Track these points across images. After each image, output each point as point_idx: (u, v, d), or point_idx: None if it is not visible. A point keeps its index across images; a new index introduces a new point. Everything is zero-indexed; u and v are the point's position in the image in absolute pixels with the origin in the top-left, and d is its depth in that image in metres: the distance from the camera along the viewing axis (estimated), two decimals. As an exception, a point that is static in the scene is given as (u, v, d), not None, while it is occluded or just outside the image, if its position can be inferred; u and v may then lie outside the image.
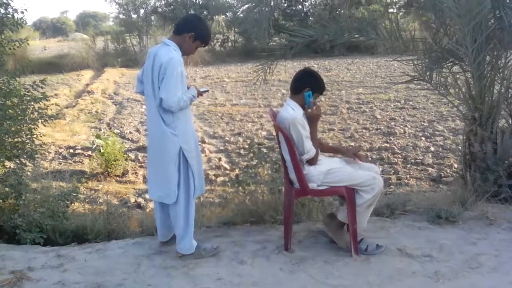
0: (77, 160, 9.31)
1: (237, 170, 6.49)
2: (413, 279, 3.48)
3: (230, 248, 4.08)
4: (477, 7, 4.46)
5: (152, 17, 29.43)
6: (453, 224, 4.42)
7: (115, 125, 12.33)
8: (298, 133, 3.73)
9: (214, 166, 8.59)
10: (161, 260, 3.91)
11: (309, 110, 3.81)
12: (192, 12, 28.48)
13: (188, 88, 3.86)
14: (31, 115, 5.42)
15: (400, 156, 8.45)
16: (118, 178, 8.25)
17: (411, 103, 12.77)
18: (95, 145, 8.93)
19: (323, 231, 4.20)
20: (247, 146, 7.21)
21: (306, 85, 3.84)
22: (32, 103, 5.38)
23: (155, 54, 3.72)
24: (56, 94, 15.50)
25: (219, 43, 28.74)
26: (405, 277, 3.51)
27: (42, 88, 5.60)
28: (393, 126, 10.52)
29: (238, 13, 28.09)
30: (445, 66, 5.28)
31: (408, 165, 7.99)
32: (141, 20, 28.70)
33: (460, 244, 4.02)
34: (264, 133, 10.54)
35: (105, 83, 19.07)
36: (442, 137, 9.42)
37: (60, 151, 9.91)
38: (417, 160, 8.16)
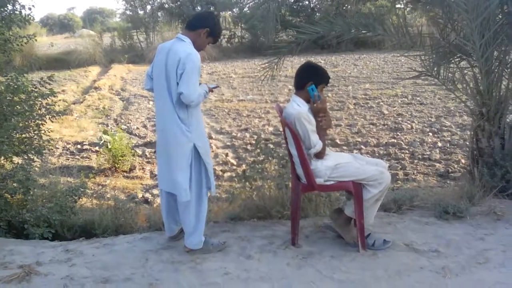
0: (84, 155, 9.34)
1: (244, 165, 6.51)
2: (421, 274, 3.48)
3: (237, 243, 4.10)
4: (484, 2, 4.44)
5: (159, 13, 29.34)
6: (461, 220, 4.41)
7: (122, 121, 12.35)
8: (304, 128, 3.73)
9: (221, 162, 8.59)
10: (169, 255, 3.93)
11: (314, 104, 3.81)
12: (199, 8, 28.49)
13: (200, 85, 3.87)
14: (39, 111, 5.45)
15: (407, 152, 8.43)
16: (125, 174, 8.28)
17: (418, 98, 12.71)
18: (102, 141, 8.95)
19: (330, 226, 4.20)
20: (254, 142, 7.21)
21: (308, 79, 3.84)
22: (40, 99, 5.41)
23: (169, 49, 3.71)
24: (63, 90, 15.53)
25: (226, 39, 28.65)
26: (413, 272, 3.51)
27: (49, 84, 5.63)
28: (400, 121, 10.48)
29: (244, 9, 28.01)
30: (453, 61, 5.26)
31: (416, 161, 7.96)
32: (148, 16, 28.63)
33: (467, 239, 4.02)
34: (271, 128, 10.53)
35: (112, 79, 19.09)
36: (449, 133, 9.38)
37: (67, 146, 9.96)
38: (425, 156, 8.14)
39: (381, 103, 12.44)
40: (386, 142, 9.03)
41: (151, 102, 13.84)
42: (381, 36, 5.35)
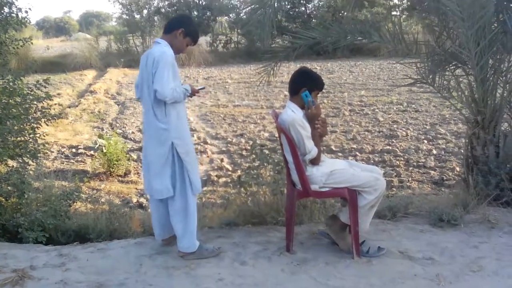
0: (79, 159, 9.32)
1: (239, 171, 6.51)
2: (415, 282, 3.48)
3: (232, 249, 4.09)
4: (480, 10, 4.47)
5: (155, 18, 29.32)
6: (455, 227, 4.42)
7: (117, 125, 12.34)
8: (299, 134, 3.73)
9: (216, 167, 8.59)
10: (163, 260, 3.92)
11: (309, 110, 3.82)
12: (195, 13, 28.55)
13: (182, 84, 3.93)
14: (34, 114, 5.43)
15: (402, 159, 8.45)
16: (120, 178, 8.26)
17: (413, 106, 12.76)
18: (97, 145, 8.94)
19: (325, 233, 4.19)
20: (249, 147, 7.22)
21: (302, 85, 3.85)
22: (35, 102, 5.40)
23: (147, 54, 3.83)
24: (59, 94, 15.49)
25: (222, 44, 28.69)
26: (407, 279, 3.52)
27: (45, 87, 5.62)
28: (395, 128, 10.51)
29: (241, 15, 28.08)
30: (448, 69, 5.29)
31: (410, 168, 7.98)
32: (144, 21, 28.60)
33: (461, 247, 4.03)
34: (266, 134, 10.54)
35: (108, 83, 19.07)
36: (444, 140, 9.41)
37: (62, 150, 9.93)
38: (419, 163, 8.16)
39: (377, 110, 12.48)
40: (381, 149, 9.05)
41: (146, 107, 13.80)
42: (377, 43, 5.38)
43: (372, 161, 8.34)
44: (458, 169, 7.56)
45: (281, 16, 26.48)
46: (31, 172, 5.87)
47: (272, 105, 13.66)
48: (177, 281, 3.57)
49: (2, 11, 5.47)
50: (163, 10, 29.33)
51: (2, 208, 4.81)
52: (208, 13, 29.23)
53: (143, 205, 6.91)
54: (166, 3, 29.80)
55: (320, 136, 3.90)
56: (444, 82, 5.25)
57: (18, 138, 5.28)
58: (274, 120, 4.14)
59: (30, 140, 5.36)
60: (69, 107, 14.37)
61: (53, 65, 22.66)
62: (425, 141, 9.43)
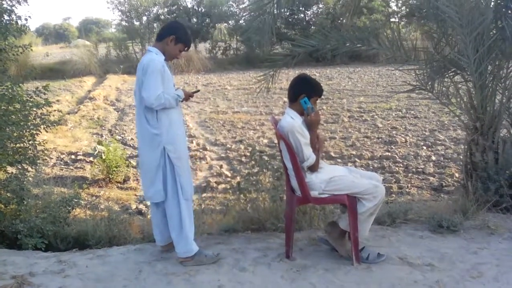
0: (78, 166, 9.32)
1: (238, 177, 6.50)
2: (414, 288, 3.48)
3: (231, 255, 4.08)
4: (479, 17, 4.49)
5: (155, 25, 29.33)
6: (454, 233, 4.42)
7: (116, 131, 12.35)
8: (297, 141, 3.74)
9: (215, 173, 8.59)
10: (162, 267, 3.91)
11: (308, 116, 3.83)
12: (194, 20, 28.61)
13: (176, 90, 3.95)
14: (34, 121, 5.43)
15: (401, 165, 8.45)
16: (119, 185, 8.27)
17: (412, 112, 12.78)
18: (96, 152, 8.93)
19: (324, 239, 4.19)
20: (248, 154, 7.22)
21: (301, 92, 3.86)
22: (35, 109, 5.40)
23: (140, 62, 3.88)
24: (58, 100, 15.51)
25: (221, 51, 28.76)
26: (406, 286, 3.51)
27: (44, 94, 5.62)
28: (394, 135, 10.52)
29: (240, 22, 28.16)
30: (447, 75, 5.30)
31: (410, 174, 7.99)
32: (144, 27, 28.67)
33: (461, 253, 4.02)
34: (265, 140, 10.54)
35: (107, 90, 19.09)
36: (443, 147, 9.42)
37: (62, 157, 9.93)
38: (419, 169, 8.16)
39: (376, 116, 12.49)
40: (380, 155, 9.06)
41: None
42: (375, 49, 5.39)
43: (371, 167, 8.35)
44: (457, 175, 7.57)
45: (280, 23, 26.56)
46: (30, 178, 5.87)
47: (271, 111, 13.68)
48: (176, 288, 3.57)
49: (2, 19, 5.48)
50: (162, 17, 29.36)
51: (1, 215, 4.81)
52: (207, 20, 29.28)
53: (142, 211, 6.90)
54: (166, 10, 29.86)
55: (319, 143, 3.91)
56: (443, 88, 5.26)
57: (18, 145, 5.28)
58: (273, 126, 4.15)
59: (30, 146, 5.36)
60: (69, 113, 14.38)
61: (52, 71, 22.70)
62: (424, 147, 9.44)
